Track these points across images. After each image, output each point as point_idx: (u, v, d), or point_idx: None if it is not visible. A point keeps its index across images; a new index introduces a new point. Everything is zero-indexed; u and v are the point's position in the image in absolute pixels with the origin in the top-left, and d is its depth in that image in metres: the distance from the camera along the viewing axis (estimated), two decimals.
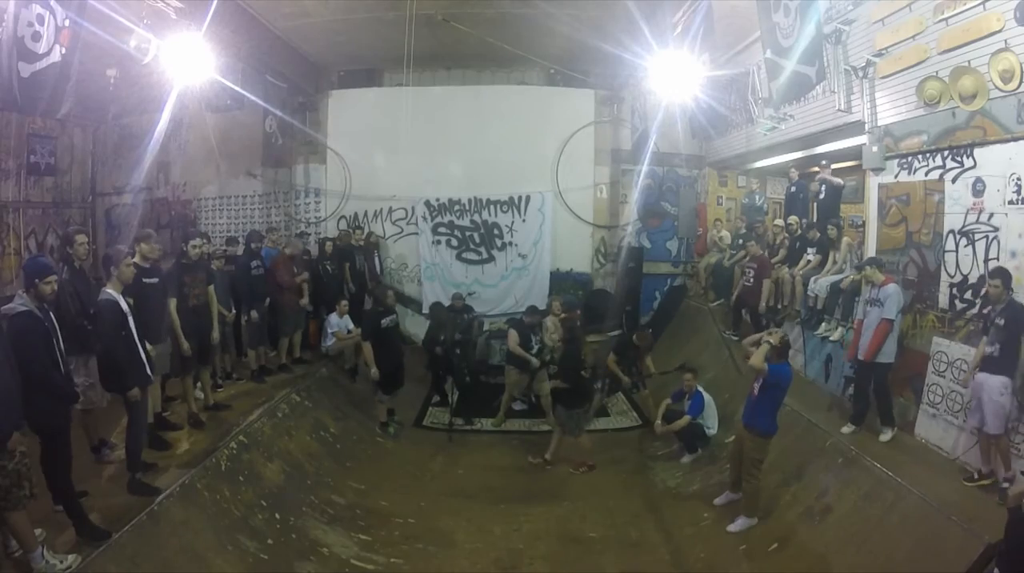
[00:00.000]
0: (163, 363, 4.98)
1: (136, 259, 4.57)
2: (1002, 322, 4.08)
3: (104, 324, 3.95)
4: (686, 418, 6.12)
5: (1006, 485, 3.91)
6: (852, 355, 5.37)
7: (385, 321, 6.79)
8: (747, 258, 7.86)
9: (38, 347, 3.38)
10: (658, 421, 6.34)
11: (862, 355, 5.11)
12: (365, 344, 6.61)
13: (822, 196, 7.53)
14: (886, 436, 5.05)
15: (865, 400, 5.26)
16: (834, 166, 7.61)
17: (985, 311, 4.31)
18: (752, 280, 7.51)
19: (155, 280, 4.81)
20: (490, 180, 10.08)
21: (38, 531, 3.33)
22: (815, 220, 7.68)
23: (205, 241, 6.13)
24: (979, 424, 4.16)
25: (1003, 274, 4.16)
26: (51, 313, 3.59)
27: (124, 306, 4.05)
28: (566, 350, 6.41)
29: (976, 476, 4.22)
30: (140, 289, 4.52)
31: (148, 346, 4.51)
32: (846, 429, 5.28)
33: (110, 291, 4.02)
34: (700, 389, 6.32)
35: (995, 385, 4.04)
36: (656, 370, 7.59)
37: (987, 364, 4.15)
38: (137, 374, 4.08)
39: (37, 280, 3.44)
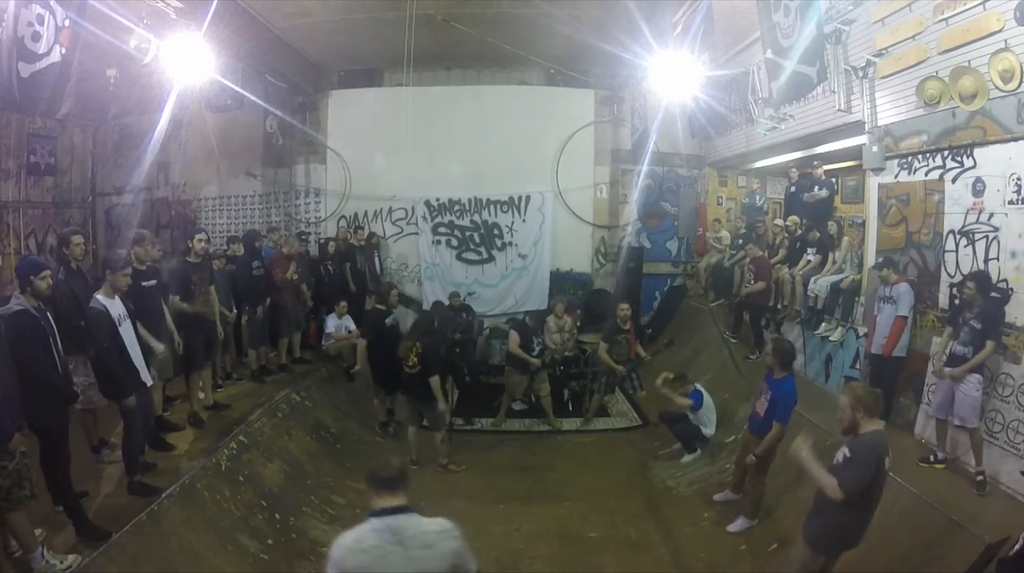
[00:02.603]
0: (166, 366, 4.95)
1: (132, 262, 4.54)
2: (979, 326, 4.21)
3: (93, 334, 3.87)
4: (688, 402, 6.13)
5: (980, 478, 4.18)
6: (868, 349, 5.47)
7: (388, 320, 6.80)
8: (748, 261, 7.86)
9: (35, 346, 3.37)
10: (659, 380, 6.36)
11: (880, 350, 5.17)
12: (360, 341, 6.60)
13: (823, 194, 7.52)
14: None
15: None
16: (836, 166, 7.62)
17: (965, 315, 4.34)
18: (753, 282, 7.50)
19: (153, 282, 4.76)
20: (490, 180, 10.08)
21: (38, 531, 3.33)
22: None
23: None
24: (945, 414, 4.39)
25: (979, 278, 4.27)
26: (48, 313, 3.59)
27: (116, 313, 3.97)
28: (425, 346, 5.96)
29: (932, 458, 4.51)
30: (138, 292, 4.48)
31: (153, 344, 4.53)
32: None
33: (100, 298, 3.94)
34: (698, 386, 6.32)
35: (971, 381, 4.22)
36: (647, 354, 7.63)
37: (957, 361, 4.31)
38: (132, 381, 4.02)
39: (32, 277, 3.43)
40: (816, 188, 7.53)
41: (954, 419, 4.31)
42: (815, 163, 7.50)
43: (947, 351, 4.48)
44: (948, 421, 4.42)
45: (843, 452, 3.08)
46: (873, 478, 2.96)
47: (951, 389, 4.32)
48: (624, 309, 7.26)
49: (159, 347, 4.60)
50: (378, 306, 7.01)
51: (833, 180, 7.53)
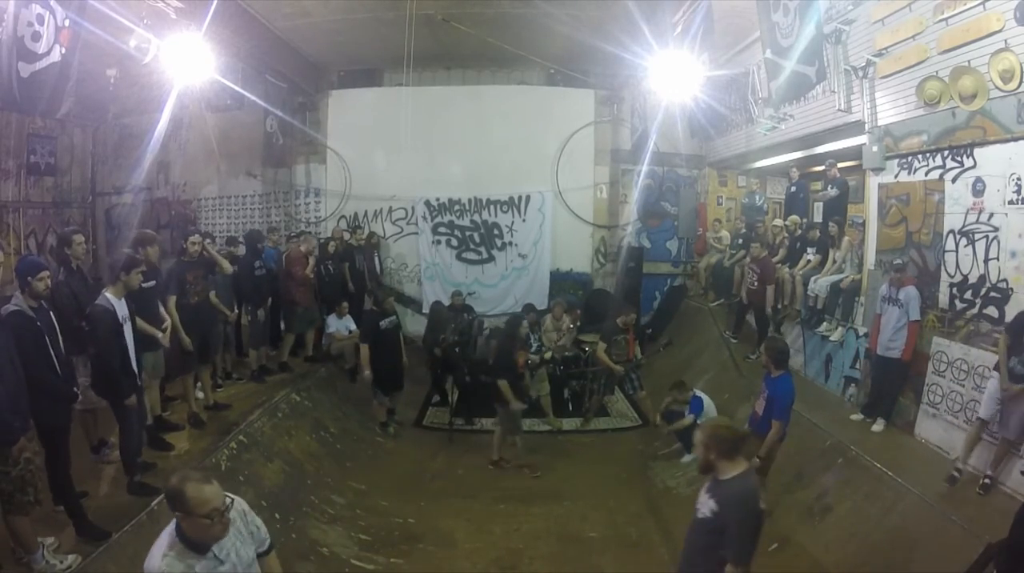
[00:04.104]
0: (159, 366, 4.93)
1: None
2: None
3: (96, 331, 3.85)
4: (690, 418, 6.11)
5: (987, 481, 4.05)
6: (870, 349, 5.47)
7: (384, 322, 6.78)
8: (749, 260, 7.84)
9: (28, 346, 3.34)
10: (659, 417, 6.32)
11: (890, 354, 5.13)
12: (363, 346, 6.62)
13: (834, 193, 7.45)
14: (879, 426, 5.16)
15: (880, 393, 5.34)
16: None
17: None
18: (756, 283, 7.48)
19: (152, 283, 4.73)
20: (490, 180, 10.10)
21: (50, 540, 3.32)
22: (819, 219, 7.64)
23: (207, 239, 6.15)
24: (992, 420, 4.12)
25: None
26: (50, 312, 3.59)
27: (122, 313, 3.97)
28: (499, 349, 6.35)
29: (957, 474, 4.23)
30: (139, 293, 4.44)
31: (155, 331, 4.59)
32: (855, 417, 5.45)
33: (108, 296, 3.93)
34: (696, 392, 6.31)
35: None
36: (643, 356, 7.65)
37: (1018, 379, 3.98)
38: (130, 382, 4.01)
39: (30, 278, 3.42)
40: (828, 187, 7.49)
41: (1004, 432, 4.04)
42: (829, 162, 7.44)
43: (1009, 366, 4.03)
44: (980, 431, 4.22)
45: (708, 503, 2.71)
46: (756, 532, 2.65)
47: (1006, 400, 4.00)
48: (630, 317, 7.28)
49: (159, 334, 4.66)
50: (374, 309, 7.02)
51: (845, 180, 7.47)
